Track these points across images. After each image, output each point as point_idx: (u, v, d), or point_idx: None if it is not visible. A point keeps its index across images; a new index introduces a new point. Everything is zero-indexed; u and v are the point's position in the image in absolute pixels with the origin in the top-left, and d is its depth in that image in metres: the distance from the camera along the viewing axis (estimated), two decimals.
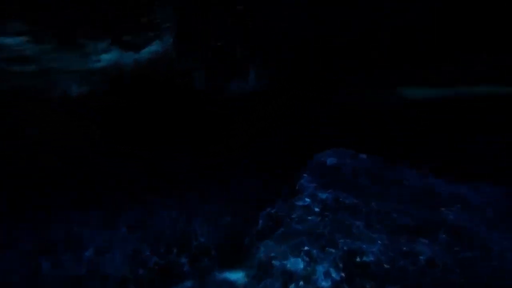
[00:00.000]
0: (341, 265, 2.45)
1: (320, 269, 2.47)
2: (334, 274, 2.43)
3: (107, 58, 4.00)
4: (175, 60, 5.32)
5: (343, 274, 2.43)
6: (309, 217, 3.15)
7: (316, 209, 3.32)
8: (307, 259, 2.51)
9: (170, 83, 5.46)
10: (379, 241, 2.71)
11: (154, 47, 4.41)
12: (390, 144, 6.15)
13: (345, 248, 2.61)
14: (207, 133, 6.35)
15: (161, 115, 5.41)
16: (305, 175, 4.48)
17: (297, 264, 2.50)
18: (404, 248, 2.58)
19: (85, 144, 4.94)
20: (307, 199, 3.54)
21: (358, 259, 2.49)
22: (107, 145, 5.24)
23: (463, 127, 6.07)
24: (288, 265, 2.52)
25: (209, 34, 5.65)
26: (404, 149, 5.88)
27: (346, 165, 5.14)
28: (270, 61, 6.42)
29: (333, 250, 2.58)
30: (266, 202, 4.16)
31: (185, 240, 4.06)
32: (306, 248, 2.59)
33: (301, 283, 2.40)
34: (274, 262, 2.58)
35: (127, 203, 4.72)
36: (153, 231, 4.24)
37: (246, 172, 6.13)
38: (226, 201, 5.09)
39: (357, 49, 6.48)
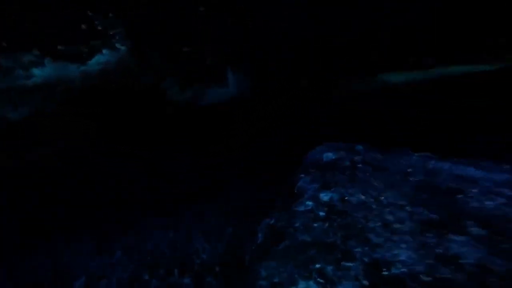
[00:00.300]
0: (365, 282, 1.90)
1: None
2: None
3: (39, 73, 3.38)
4: (135, 70, 4.75)
5: None
6: (315, 224, 2.62)
7: (321, 213, 2.80)
8: (321, 280, 1.94)
9: (135, 98, 4.90)
10: (404, 245, 2.20)
11: (104, 57, 3.83)
12: (383, 132, 5.74)
13: (365, 259, 2.08)
14: (191, 144, 5.80)
15: (131, 132, 4.85)
16: (302, 175, 3.95)
17: None
18: (438, 251, 2.07)
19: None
20: (309, 203, 3.02)
21: (385, 272, 1.95)
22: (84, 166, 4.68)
23: (449, 107, 5.70)
24: None
25: (173, 37, 5.11)
26: (398, 135, 5.48)
27: (343, 159, 4.66)
28: (251, 62, 5.92)
29: (351, 264, 2.05)
30: (265, 209, 3.80)
31: (186, 259, 3.82)
32: (317, 265, 2.04)
33: None
34: None
35: (119, 226, 4.39)
36: (151, 253, 3.96)
37: (239, 179, 5.64)
38: (223, 213, 4.74)
39: (339, 42, 6.07)
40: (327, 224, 2.60)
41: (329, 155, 4.87)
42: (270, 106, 6.24)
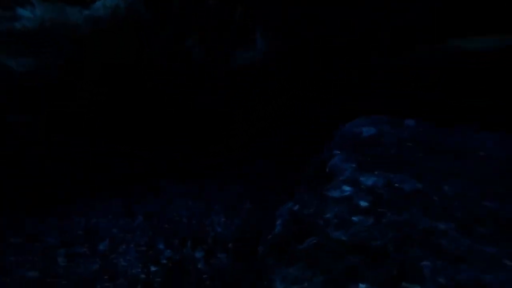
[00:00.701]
0: None
1: None
2: None
3: (28, 14, 2.72)
4: (150, 22, 3.99)
5: None
6: (355, 218, 1.84)
7: (363, 203, 2.01)
8: None
9: (152, 58, 4.18)
10: (494, 259, 1.38)
11: (110, 0, 3.10)
12: (440, 106, 4.65)
13: (440, 279, 1.28)
14: (216, 115, 5.10)
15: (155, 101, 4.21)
16: (336, 151, 3.12)
17: None
18: None
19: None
20: (346, 187, 2.23)
21: None
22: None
23: None
24: None
25: None
26: (459, 110, 4.39)
27: (389, 135, 3.73)
28: (284, 22, 4.96)
29: None
30: (289, 188, 3.29)
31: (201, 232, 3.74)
32: (361, 286, 1.29)
33: None
34: None
35: (145, 191, 4.38)
36: (170, 221, 3.95)
37: (265, 151, 4.94)
38: (246, 185, 4.51)
39: None
40: (371, 219, 1.81)
41: (370, 130, 3.95)
42: (302, 73, 5.31)
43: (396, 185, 2.31)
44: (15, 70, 3.13)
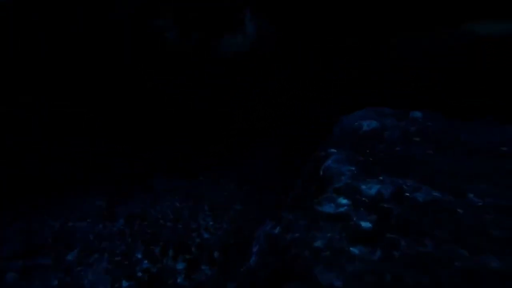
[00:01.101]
0: None
1: None
2: None
3: None
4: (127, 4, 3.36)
5: None
6: (353, 249, 1.28)
7: (366, 225, 1.44)
8: None
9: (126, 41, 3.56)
10: None
11: None
12: (449, 97, 4.08)
13: None
14: (204, 103, 4.53)
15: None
16: (332, 150, 2.55)
17: None
18: None
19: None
20: (343, 200, 1.66)
21: None
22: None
23: None
24: None
25: None
26: (472, 102, 3.82)
27: (393, 129, 3.17)
28: (278, 5, 4.33)
29: None
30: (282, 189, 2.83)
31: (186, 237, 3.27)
32: None
33: None
34: None
35: (131, 187, 3.86)
36: (153, 224, 3.45)
37: (259, 146, 4.43)
38: (237, 184, 4.01)
39: None
40: (378, 252, 1.23)
41: (372, 124, 3.38)
42: (297, 61, 4.70)
43: (407, 194, 1.74)
44: None
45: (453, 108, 3.54)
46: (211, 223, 3.79)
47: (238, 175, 4.45)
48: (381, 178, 1.91)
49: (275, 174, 4.33)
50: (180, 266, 3.15)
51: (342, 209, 1.56)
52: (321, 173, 2.28)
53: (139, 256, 3.20)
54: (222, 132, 4.55)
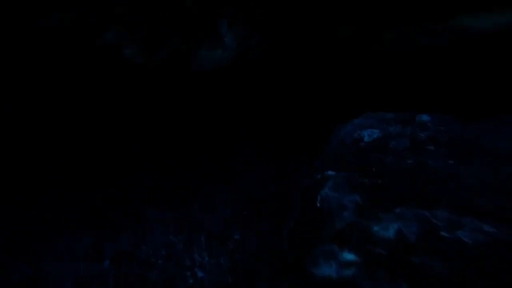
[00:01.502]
0: None
1: None
2: None
3: None
4: (82, 22, 2.83)
5: None
6: None
7: None
8: None
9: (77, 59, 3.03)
10: None
11: None
12: (456, 98, 3.56)
13: None
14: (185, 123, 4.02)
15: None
16: (331, 172, 1.99)
17: None
18: None
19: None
20: (348, 255, 1.08)
21: None
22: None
23: None
24: None
25: None
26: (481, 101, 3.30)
27: (400, 138, 2.64)
28: (257, 10, 3.87)
29: None
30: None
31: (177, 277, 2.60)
32: None
33: None
34: None
35: (118, 222, 3.26)
36: (142, 264, 2.80)
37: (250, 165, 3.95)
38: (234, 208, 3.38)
39: None
40: None
41: (374, 133, 2.85)
42: (287, 69, 4.21)
43: (444, 234, 1.15)
44: None
45: (460, 109, 3.01)
46: (207, 258, 3.21)
47: (233, 197, 3.90)
48: (398, 210, 1.34)
49: (272, 192, 3.78)
50: None
51: (347, 272, 0.99)
52: (318, 205, 1.72)
53: None
54: (208, 149, 4.01)
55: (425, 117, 2.92)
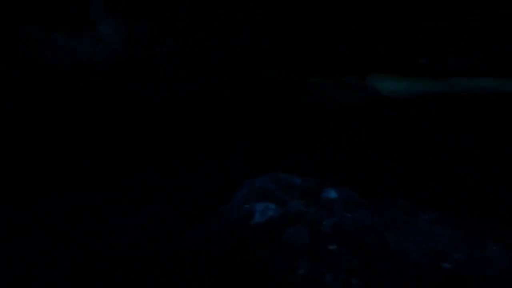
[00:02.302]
0: None
1: None
2: None
3: None
4: None
5: None
6: None
7: None
8: None
9: None
10: None
11: None
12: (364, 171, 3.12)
13: None
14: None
15: None
16: None
17: None
18: None
19: None
20: None
21: None
22: None
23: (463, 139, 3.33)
24: None
25: None
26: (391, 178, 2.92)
27: (299, 223, 2.03)
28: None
29: None
30: None
31: None
32: None
33: None
34: None
35: None
36: None
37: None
38: None
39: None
40: None
41: (269, 210, 2.23)
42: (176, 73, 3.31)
43: None
44: None
45: (366, 182, 2.57)
46: None
47: None
48: None
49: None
50: None
51: None
52: None
53: None
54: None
55: (332, 194, 2.24)
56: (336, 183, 2.34)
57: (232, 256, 1.68)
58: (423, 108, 3.71)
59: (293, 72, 3.70)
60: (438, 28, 3.97)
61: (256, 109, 3.41)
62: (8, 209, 2.22)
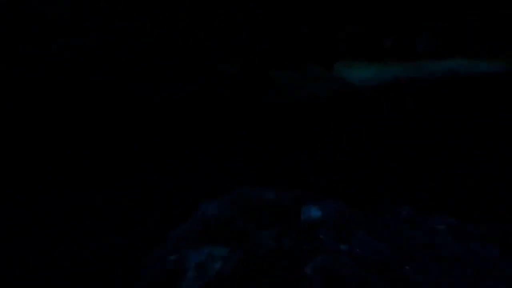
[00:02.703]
0: None
1: None
2: None
3: None
4: None
5: None
6: None
7: None
8: None
9: None
10: None
11: None
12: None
13: None
14: None
15: None
16: None
17: None
18: None
19: None
20: None
21: None
22: None
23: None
24: None
25: None
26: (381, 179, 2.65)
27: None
28: None
29: None
30: None
31: None
32: None
33: None
34: None
35: None
36: None
37: None
38: None
39: None
40: None
41: (215, 262, 1.20)
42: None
43: None
44: None
45: (353, 186, 2.36)
46: None
47: None
48: None
49: None
50: None
51: None
52: None
53: None
54: None
55: (314, 212, 1.55)
56: (319, 194, 1.68)
57: None
58: (393, 97, 3.46)
59: (254, 65, 3.43)
60: (404, 4, 3.82)
61: (213, 109, 3.13)
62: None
